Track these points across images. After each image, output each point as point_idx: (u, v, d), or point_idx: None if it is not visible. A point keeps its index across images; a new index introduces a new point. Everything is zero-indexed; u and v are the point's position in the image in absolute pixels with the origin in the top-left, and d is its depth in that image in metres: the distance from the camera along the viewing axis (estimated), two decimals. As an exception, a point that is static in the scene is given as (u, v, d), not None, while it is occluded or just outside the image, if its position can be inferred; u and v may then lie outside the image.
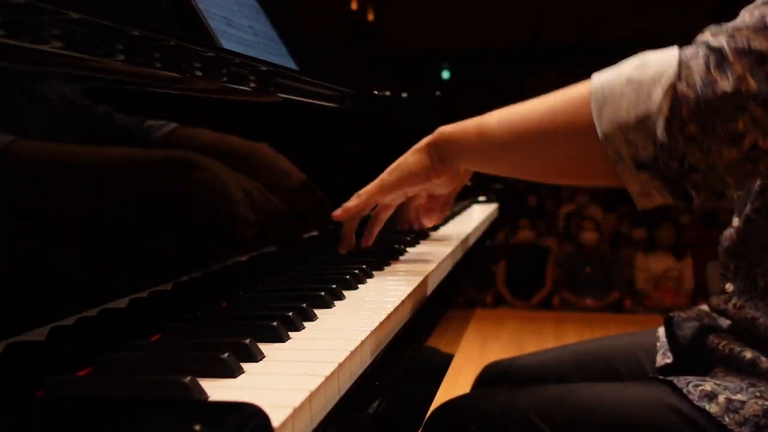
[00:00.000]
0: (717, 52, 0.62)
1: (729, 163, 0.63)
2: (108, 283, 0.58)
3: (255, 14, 1.11)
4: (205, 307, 0.69)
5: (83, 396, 0.47)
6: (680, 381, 0.81)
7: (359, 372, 0.56)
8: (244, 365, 0.51)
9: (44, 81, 0.53)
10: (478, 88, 4.74)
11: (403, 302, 0.71)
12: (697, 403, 0.78)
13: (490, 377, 1.14)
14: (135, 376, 0.49)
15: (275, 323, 0.58)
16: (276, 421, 0.41)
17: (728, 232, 0.90)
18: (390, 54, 4.54)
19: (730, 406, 0.76)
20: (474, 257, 1.15)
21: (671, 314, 1.02)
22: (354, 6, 4.23)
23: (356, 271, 0.81)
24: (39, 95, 0.53)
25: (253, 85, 0.84)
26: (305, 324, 0.63)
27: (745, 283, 0.86)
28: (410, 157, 0.87)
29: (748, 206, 0.86)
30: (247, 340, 0.53)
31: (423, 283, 0.81)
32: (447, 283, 0.93)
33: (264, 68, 0.86)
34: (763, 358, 0.80)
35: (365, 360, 0.58)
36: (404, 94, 1.63)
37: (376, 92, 1.43)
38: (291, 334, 0.60)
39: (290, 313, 0.61)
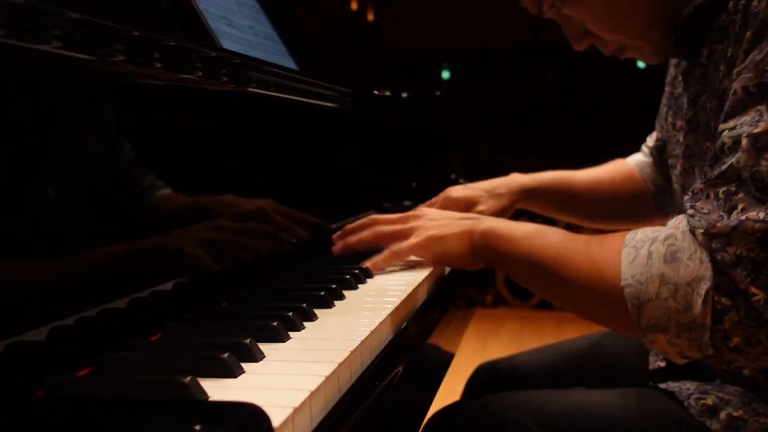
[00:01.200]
0: (720, 262, 0.61)
1: None
2: (108, 283, 0.58)
3: (255, 14, 1.11)
4: (205, 307, 0.69)
5: (83, 396, 0.47)
6: (682, 392, 0.80)
7: (359, 372, 0.56)
8: (244, 365, 0.51)
9: (44, 81, 0.53)
10: (478, 88, 4.73)
11: (403, 302, 0.71)
12: (698, 418, 0.76)
13: (483, 378, 1.13)
14: (135, 376, 0.49)
15: (275, 323, 0.58)
16: (276, 421, 0.41)
17: None
18: (390, 54, 4.54)
19: (732, 425, 0.75)
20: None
21: None
22: (354, 6, 4.23)
23: (356, 271, 0.81)
24: (39, 95, 0.53)
25: (253, 85, 0.84)
26: (305, 324, 0.63)
27: None
28: (455, 242, 0.83)
29: None
30: (247, 340, 0.53)
31: (423, 283, 0.81)
32: (447, 283, 0.93)
33: (264, 68, 0.86)
34: (760, 376, 0.79)
35: (365, 360, 0.58)
36: (404, 94, 1.63)
37: (376, 92, 1.43)
38: (291, 334, 0.60)
39: (290, 313, 0.62)
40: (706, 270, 0.62)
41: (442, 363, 0.84)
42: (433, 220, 0.87)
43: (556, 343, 1.16)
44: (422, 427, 0.85)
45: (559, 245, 0.75)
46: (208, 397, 0.45)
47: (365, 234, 0.88)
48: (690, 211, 0.65)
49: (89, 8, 0.54)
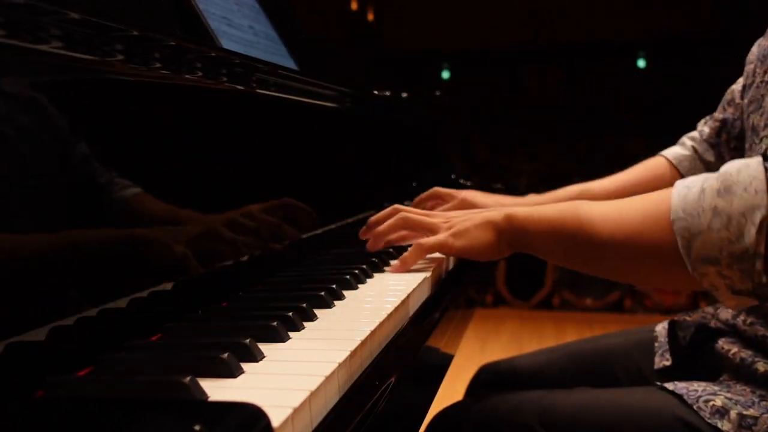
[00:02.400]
0: None
1: None
2: (108, 283, 0.58)
3: (255, 14, 1.11)
4: (205, 307, 0.69)
5: (83, 396, 0.47)
6: (689, 395, 0.79)
7: (359, 372, 0.56)
8: (244, 365, 0.51)
9: (44, 81, 0.53)
10: (478, 88, 4.73)
11: (403, 302, 0.71)
12: (709, 420, 0.75)
13: (485, 379, 1.13)
14: (135, 376, 0.49)
15: (275, 323, 0.58)
16: (276, 421, 0.41)
17: None
18: (390, 54, 4.54)
19: (743, 423, 0.74)
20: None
21: (676, 318, 1.00)
22: (354, 6, 4.23)
23: (356, 271, 0.81)
24: (39, 95, 0.53)
25: (253, 85, 0.84)
26: (305, 324, 0.63)
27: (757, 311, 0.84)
28: (480, 232, 0.83)
29: None
30: (247, 340, 0.53)
31: (423, 283, 0.81)
32: (448, 283, 0.93)
33: (264, 68, 0.86)
34: None
35: (365, 360, 0.58)
36: (404, 94, 1.63)
37: (376, 92, 1.43)
38: (291, 334, 0.60)
39: (290, 313, 0.61)
40: (762, 199, 0.62)
41: (442, 363, 0.84)
42: (454, 217, 0.88)
43: (559, 344, 1.16)
44: (425, 427, 0.85)
45: (595, 209, 0.75)
46: (207, 397, 0.45)
47: (393, 221, 0.89)
48: None
49: (89, 8, 0.54)
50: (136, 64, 0.62)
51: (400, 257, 0.86)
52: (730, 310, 0.88)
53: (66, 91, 0.55)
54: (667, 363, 0.96)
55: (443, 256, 0.94)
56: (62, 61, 0.54)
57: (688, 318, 0.98)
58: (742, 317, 0.86)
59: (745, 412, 0.75)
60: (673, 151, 1.19)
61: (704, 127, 1.16)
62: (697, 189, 0.66)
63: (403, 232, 0.91)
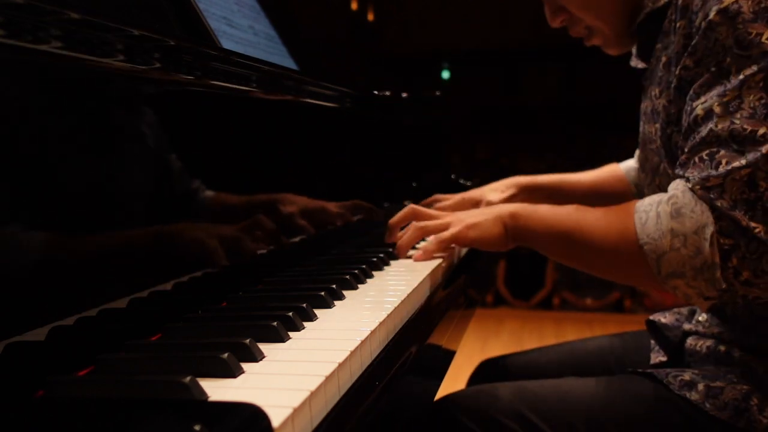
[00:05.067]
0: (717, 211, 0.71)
1: None
2: (108, 283, 0.58)
3: (255, 14, 1.11)
4: (205, 307, 0.69)
5: (83, 396, 0.47)
6: (660, 373, 0.86)
7: (359, 372, 0.56)
8: (244, 365, 0.51)
9: (44, 81, 0.53)
10: (478, 88, 4.73)
11: (403, 302, 0.71)
12: (678, 392, 0.82)
13: (485, 375, 1.15)
14: (135, 376, 0.49)
15: (275, 323, 0.58)
16: (276, 421, 0.41)
17: None
18: (390, 54, 4.54)
19: (710, 393, 0.81)
20: (474, 257, 1.15)
21: (651, 318, 1.04)
22: (354, 6, 4.22)
23: (356, 271, 0.81)
24: (39, 95, 0.53)
25: (253, 85, 0.84)
26: (305, 324, 0.63)
27: (716, 314, 0.91)
28: (491, 224, 0.92)
29: None
30: (247, 340, 0.53)
31: (423, 283, 0.81)
32: (448, 282, 0.93)
33: (264, 68, 0.86)
34: (736, 349, 0.85)
35: (365, 360, 0.58)
36: (404, 94, 1.63)
37: (376, 92, 1.43)
38: (291, 334, 0.60)
39: (290, 313, 0.62)
40: (708, 218, 0.71)
41: (442, 362, 0.84)
42: (464, 214, 0.97)
43: (558, 343, 1.18)
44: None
45: (577, 217, 0.86)
46: (207, 397, 0.45)
47: (412, 233, 0.97)
48: (685, 174, 0.76)
49: (89, 8, 0.54)
50: (135, 64, 0.62)
51: (422, 246, 0.95)
52: (696, 324, 0.95)
53: (64, 91, 0.55)
54: (663, 359, 0.98)
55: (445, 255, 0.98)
56: (62, 61, 0.54)
57: (663, 319, 1.02)
58: (702, 318, 0.93)
59: (711, 384, 0.81)
60: (625, 163, 1.34)
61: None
62: (653, 215, 0.76)
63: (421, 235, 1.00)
